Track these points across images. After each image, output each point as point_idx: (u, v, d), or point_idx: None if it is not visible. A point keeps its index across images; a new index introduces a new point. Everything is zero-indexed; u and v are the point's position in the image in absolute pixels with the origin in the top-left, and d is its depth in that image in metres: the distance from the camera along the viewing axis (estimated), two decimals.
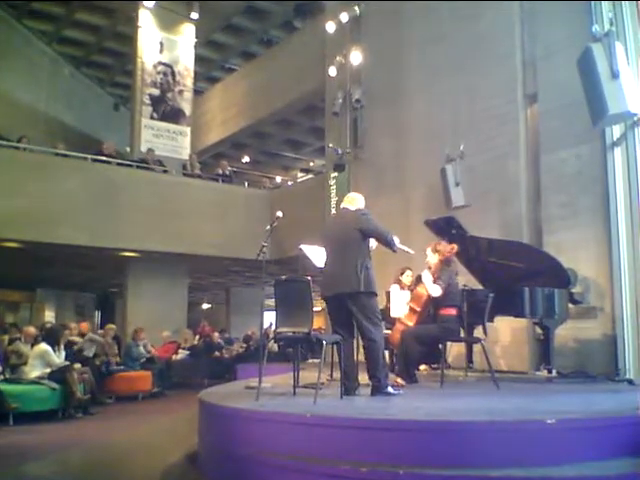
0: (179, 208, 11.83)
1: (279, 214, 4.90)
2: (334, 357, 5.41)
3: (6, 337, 9.04)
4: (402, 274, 6.37)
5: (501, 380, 5.14)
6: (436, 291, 5.31)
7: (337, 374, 4.89)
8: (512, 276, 5.80)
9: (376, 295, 4.52)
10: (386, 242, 4.54)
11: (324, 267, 4.70)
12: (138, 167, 12.15)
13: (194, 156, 13.90)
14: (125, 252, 11.82)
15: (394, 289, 6.19)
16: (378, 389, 4.39)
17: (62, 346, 7.79)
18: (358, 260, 4.40)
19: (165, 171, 12.52)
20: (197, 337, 13.28)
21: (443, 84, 8.14)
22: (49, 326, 9.59)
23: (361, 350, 4.73)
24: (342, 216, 4.76)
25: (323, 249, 4.79)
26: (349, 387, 4.47)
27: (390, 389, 4.44)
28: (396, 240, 4.59)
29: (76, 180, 10.85)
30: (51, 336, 7.71)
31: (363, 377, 4.75)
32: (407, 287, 6.25)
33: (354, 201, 4.77)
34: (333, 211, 10.10)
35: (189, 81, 14.39)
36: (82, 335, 9.78)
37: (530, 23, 7.20)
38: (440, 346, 5.50)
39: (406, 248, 4.88)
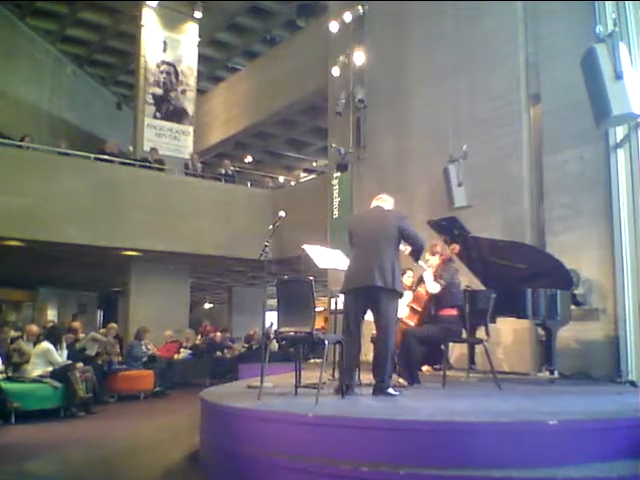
0: (182, 207, 11.85)
1: (282, 214, 4.91)
2: (336, 357, 5.40)
3: (10, 334, 9.06)
4: (403, 275, 6.37)
5: (503, 381, 5.13)
6: (435, 288, 5.33)
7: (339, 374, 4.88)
8: (514, 277, 5.79)
9: (401, 296, 4.60)
10: (418, 250, 4.66)
11: (353, 259, 4.67)
12: (141, 166, 12.16)
13: (195, 156, 13.87)
14: (127, 251, 11.83)
15: None
16: (381, 389, 4.39)
17: (64, 345, 7.81)
18: (394, 259, 4.48)
19: (160, 169, 12.47)
20: (199, 336, 13.30)
21: (446, 84, 8.12)
22: (51, 325, 9.61)
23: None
24: (380, 213, 4.78)
25: (353, 241, 4.71)
26: (350, 385, 4.46)
27: (391, 390, 4.43)
28: None
29: (79, 179, 10.87)
30: (53, 335, 7.73)
31: (364, 376, 4.74)
32: (408, 288, 6.25)
33: (387, 201, 4.89)
34: (336, 212, 10.10)
35: (192, 80, 14.40)
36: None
37: (533, 24, 7.18)
38: (442, 347, 5.50)
39: (423, 264, 5.21)
